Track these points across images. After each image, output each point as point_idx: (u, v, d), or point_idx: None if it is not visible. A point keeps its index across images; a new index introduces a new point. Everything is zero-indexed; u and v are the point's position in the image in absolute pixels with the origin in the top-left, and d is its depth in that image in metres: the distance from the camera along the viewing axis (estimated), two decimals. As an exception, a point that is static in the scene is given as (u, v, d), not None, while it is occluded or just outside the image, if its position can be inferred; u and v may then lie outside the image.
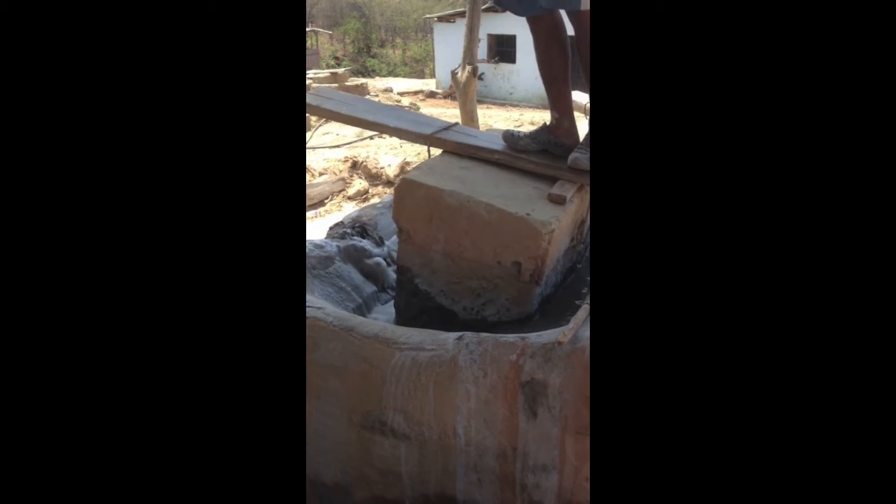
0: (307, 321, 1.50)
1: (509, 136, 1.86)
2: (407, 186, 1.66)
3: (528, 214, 1.53)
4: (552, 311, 1.92)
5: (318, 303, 1.63)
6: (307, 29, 18.92)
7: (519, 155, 1.79)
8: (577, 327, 1.36)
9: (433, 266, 1.69)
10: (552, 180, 1.71)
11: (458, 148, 1.82)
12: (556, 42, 1.73)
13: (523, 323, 1.64)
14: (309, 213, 5.18)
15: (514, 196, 1.61)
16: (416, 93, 14.62)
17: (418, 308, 1.74)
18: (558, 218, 1.55)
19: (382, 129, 1.93)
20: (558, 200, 1.60)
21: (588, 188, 1.76)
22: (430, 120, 2.08)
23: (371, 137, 8.62)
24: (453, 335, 1.41)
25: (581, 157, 1.68)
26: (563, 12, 1.69)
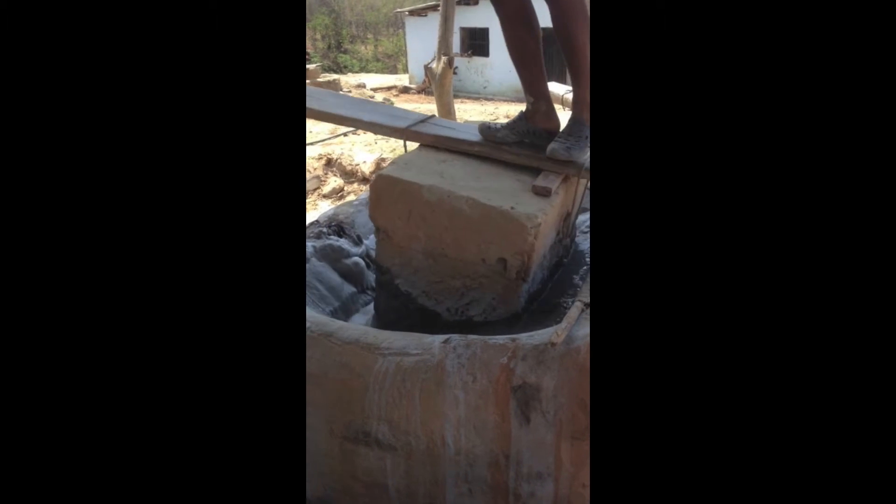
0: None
1: (486, 129, 1.78)
2: (383, 182, 1.59)
3: (512, 208, 1.46)
4: (538, 310, 1.86)
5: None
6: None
7: (499, 146, 1.73)
8: (571, 326, 1.30)
9: (414, 266, 1.63)
10: (535, 172, 1.65)
11: (436, 141, 1.75)
12: (522, 24, 1.66)
13: (511, 323, 1.58)
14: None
15: (497, 189, 1.55)
16: (389, 88, 14.52)
17: (400, 310, 1.67)
18: (544, 211, 1.49)
19: (356, 124, 1.84)
20: (543, 192, 1.53)
21: (573, 179, 1.71)
22: (404, 113, 2.00)
23: (345, 134, 8.52)
24: (439, 338, 1.35)
25: (558, 148, 1.62)
26: None
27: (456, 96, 11.05)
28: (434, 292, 1.63)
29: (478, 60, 14.37)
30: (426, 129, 1.80)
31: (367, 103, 2.21)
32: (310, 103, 1.83)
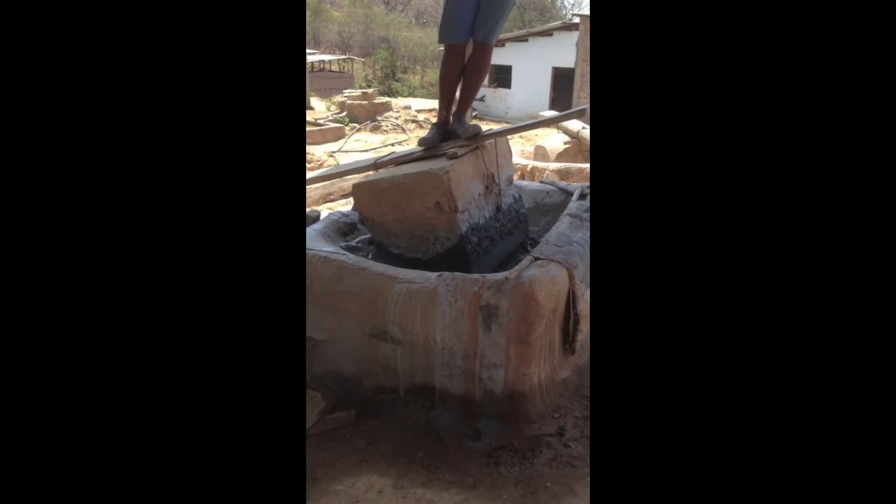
0: (337, 263, 1.72)
1: (422, 140, 2.14)
2: (358, 188, 1.98)
3: (429, 169, 1.81)
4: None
5: (342, 252, 1.85)
6: (345, 56, 18.96)
7: (431, 148, 2.06)
8: (521, 269, 1.58)
9: (393, 233, 1.96)
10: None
11: (392, 160, 2.15)
12: (457, 64, 2.04)
13: (462, 246, 1.85)
14: (342, 201, 5.44)
15: (423, 167, 1.90)
16: (430, 110, 14.70)
17: (394, 265, 1.96)
18: (452, 165, 1.81)
19: (340, 174, 2.49)
20: (452, 156, 1.89)
21: (485, 151, 2.00)
22: (379, 157, 2.40)
23: (392, 145, 8.79)
24: (435, 274, 1.63)
25: (458, 128, 2.04)
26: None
27: (482, 119, 11.25)
28: (412, 246, 1.94)
29: (501, 91, 14.43)
30: (388, 158, 2.19)
31: (360, 162, 2.59)
32: (332, 171, 2.52)
